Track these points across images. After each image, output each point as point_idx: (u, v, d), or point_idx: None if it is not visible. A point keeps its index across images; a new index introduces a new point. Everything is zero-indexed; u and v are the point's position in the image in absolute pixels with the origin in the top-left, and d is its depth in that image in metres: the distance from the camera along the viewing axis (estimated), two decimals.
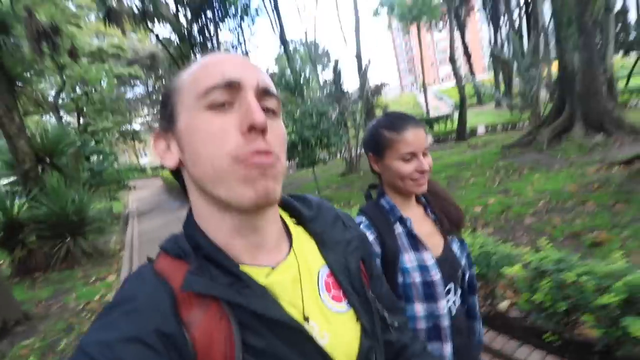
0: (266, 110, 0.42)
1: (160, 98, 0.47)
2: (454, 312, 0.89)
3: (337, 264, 0.51)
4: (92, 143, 13.17)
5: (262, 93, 0.42)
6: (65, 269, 5.79)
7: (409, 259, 0.86)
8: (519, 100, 12.68)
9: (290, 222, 0.52)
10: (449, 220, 0.93)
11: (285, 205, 0.54)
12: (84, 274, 5.38)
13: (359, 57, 16.57)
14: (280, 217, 0.51)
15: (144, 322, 0.36)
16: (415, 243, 0.87)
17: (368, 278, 0.56)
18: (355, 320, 0.49)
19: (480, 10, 28.38)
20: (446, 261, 0.89)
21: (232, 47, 16.12)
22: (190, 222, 0.45)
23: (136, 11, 9.70)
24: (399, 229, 0.89)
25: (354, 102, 11.16)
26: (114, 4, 8.75)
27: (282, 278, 0.44)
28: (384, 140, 0.87)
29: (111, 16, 8.84)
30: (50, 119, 15.51)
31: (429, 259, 0.86)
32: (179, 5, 13.18)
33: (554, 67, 9.51)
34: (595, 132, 7.00)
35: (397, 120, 0.87)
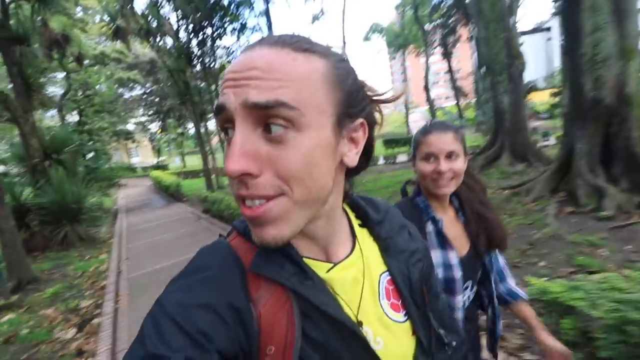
0: (269, 129, 0.35)
1: None
2: (466, 303, 0.98)
3: (399, 273, 0.50)
4: (89, 142, 14.21)
5: (256, 109, 0.34)
6: (61, 250, 6.80)
7: (435, 255, 0.91)
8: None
9: (355, 222, 0.52)
10: (490, 240, 0.98)
11: (353, 205, 0.54)
12: (79, 254, 6.44)
13: None
14: (347, 215, 0.52)
15: (218, 292, 0.38)
16: (443, 242, 0.94)
17: (427, 293, 0.54)
18: (411, 333, 0.49)
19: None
20: (468, 262, 0.95)
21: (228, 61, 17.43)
22: None
23: (141, 29, 10.93)
24: (429, 227, 0.95)
25: None
26: (121, 23, 9.98)
27: (342, 275, 0.45)
28: (414, 142, 0.98)
29: (118, 33, 10.07)
30: (51, 116, 16.50)
31: (454, 258, 0.93)
32: (180, 21, 14.51)
33: None
34: (519, 162, 8.41)
35: (428, 126, 0.97)
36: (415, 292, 0.51)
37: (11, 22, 7.65)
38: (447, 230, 0.95)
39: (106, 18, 11.46)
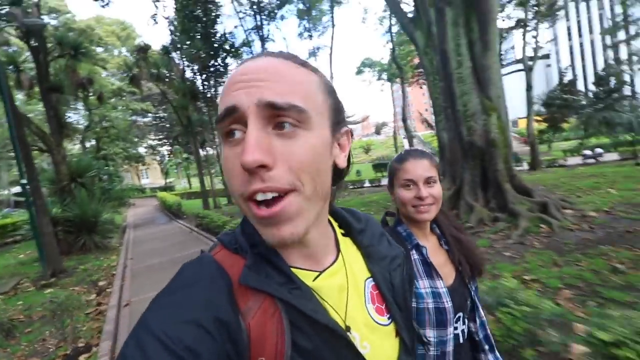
0: (280, 126, 0.38)
1: None
2: (461, 340, 0.93)
3: (382, 278, 0.53)
4: (105, 167, 16.40)
5: (270, 109, 0.38)
6: (81, 254, 8.63)
7: (423, 285, 0.91)
8: None
9: (338, 231, 0.54)
10: (470, 266, 0.98)
11: (335, 215, 0.56)
12: (95, 256, 8.27)
13: None
14: (331, 225, 0.54)
15: (204, 307, 0.37)
16: (430, 271, 0.93)
17: (410, 295, 0.57)
18: (395, 335, 0.51)
19: None
20: (456, 291, 0.94)
21: None
22: (248, 222, 0.46)
23: (152, 74, 13.28)
24: (414, 255, 0.94)
25: None
26: (136, 72, 12.31)
27: (328, 283, 0.46)
28: (392, 171, 0.99)
29: (133, 80, 12.38)
30: (72, 143, 18.87)
31: (442, 286, 0.91)
32: (187, 64, 16.95)
33: None
34: None
35: (404, 153, 0.99)
36: (398, 295, 0.54)
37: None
38: (431, 258, 0.95)
39: (125, 53, 13.78)
